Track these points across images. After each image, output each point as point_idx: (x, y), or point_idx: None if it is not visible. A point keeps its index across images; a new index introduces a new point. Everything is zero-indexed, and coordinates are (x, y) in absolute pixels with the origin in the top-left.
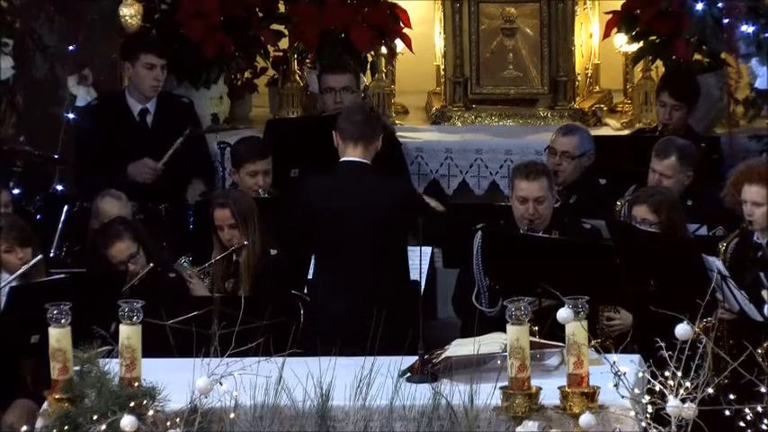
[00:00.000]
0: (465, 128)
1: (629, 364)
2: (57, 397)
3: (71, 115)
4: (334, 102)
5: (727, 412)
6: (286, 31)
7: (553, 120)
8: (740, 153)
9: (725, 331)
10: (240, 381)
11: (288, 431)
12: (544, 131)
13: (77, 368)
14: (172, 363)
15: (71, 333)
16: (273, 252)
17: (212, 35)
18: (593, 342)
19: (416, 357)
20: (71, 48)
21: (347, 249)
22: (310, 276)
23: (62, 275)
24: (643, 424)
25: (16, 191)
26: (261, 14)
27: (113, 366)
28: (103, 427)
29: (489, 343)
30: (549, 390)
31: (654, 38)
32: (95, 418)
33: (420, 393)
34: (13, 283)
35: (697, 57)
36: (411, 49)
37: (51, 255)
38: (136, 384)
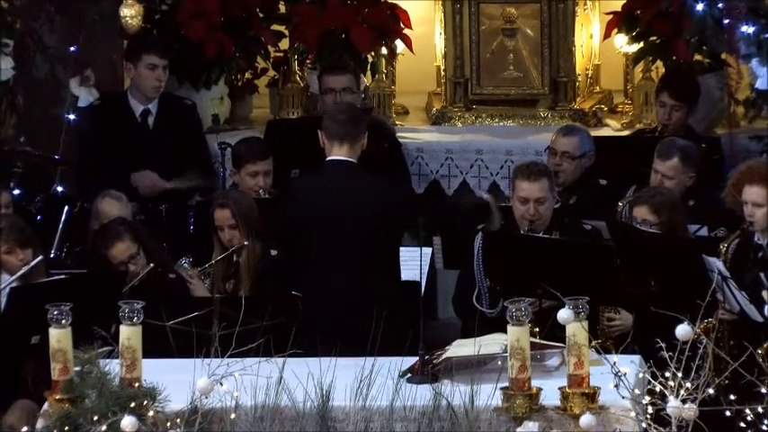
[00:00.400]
0: (465, 128)
1: (630, 365)
2: (57, 397)
3: (72, 116)
4: (334, 102)
5: (728, 413)
6: (286, 32)
7: (553, 120)
8: (741, 154)
9: (725, 332)
10: (241, 381)
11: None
12: (544, 132)
13: (78, 369)
14: (172, 363)
15: (71, 334)
16: (274, 252)
17: (213, 36)
18: (593, 343)
19: (417, 358)
20: (72, 48)
21: (335, 247)
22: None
23: (62, 276)
24: (643, 424)
25: (17, 191)
26: (261, 15)
27: (114, 367)
28: (104, 427)
29: (490, 344)
30: (550, 390)
31: (654, 38)
32: (96, 418)
33: (420, 394)
34: (14, 284)
35: (697, 57)
36: (411, 50)
37: (52, 255)
38: (136, 385)
